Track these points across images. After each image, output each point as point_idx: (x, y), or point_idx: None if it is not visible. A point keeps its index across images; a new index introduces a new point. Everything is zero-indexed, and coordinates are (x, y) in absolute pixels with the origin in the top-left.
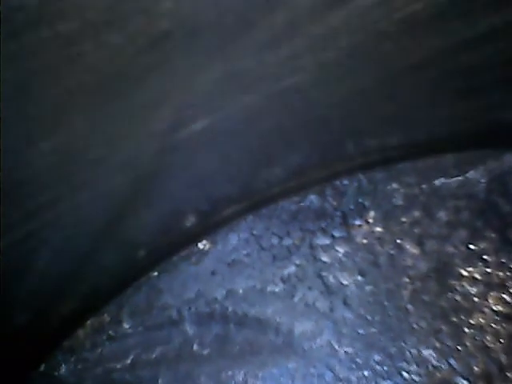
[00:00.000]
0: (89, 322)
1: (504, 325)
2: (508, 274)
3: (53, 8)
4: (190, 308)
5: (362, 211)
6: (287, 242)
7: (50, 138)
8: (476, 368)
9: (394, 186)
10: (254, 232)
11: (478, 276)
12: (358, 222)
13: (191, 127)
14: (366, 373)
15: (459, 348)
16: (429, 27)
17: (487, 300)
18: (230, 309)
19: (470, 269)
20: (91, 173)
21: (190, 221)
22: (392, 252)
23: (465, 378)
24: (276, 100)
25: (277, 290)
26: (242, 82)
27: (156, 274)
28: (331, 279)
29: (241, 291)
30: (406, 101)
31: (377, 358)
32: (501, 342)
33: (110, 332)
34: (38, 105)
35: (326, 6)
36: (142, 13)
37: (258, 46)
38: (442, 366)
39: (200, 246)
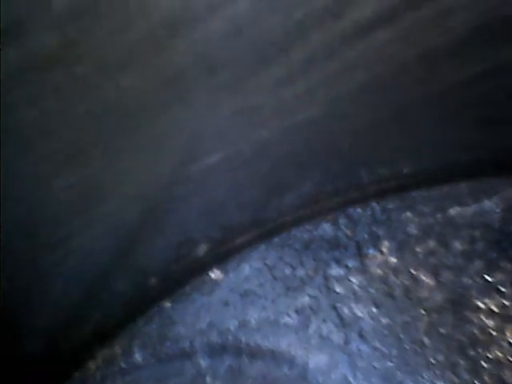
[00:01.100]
0: (100, 353)
1: None
2: None
3: (70, 52)
4: (202, 339)
5: (376, 241)
6: (300, 272)
7: (65, 175)
8: None
9: (408, 214)
10: (267, 261)
11: (494, 308)
12: (372, 252)
13: (205, 160)
14: None
15: (476, 382)
16: (445, 61)
17: (504, 333)
18: (243, 340)
19: (487, 301)
20: (105, 206)
21: (202, 249)
22: (407, 283)
23: None
24: (290, 132)
25: (290, 321)
26: (257, 117)
27: (168, 303)
28: (346, 311)
29: (254, 322)
30: (419, 129)
31: None
32: None
33: (122, 364)
34: (54, 144)
35: (343, 41)
36: (157, 53)
37: (273, 82)
38: None
39: (212, 275)
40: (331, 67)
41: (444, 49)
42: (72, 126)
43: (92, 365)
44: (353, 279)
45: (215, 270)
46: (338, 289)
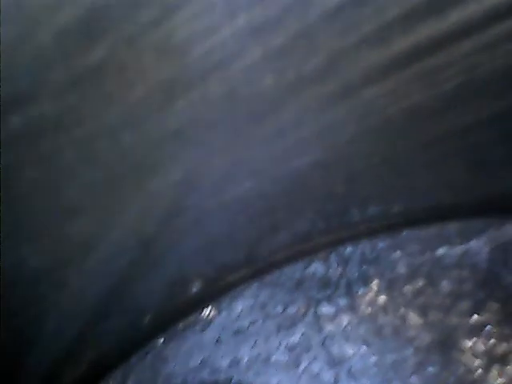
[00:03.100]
0: None
1: None
2: (511, 346)
3: (70, 117)
4: (194, 377)
5: (366, 279)
6: (292, 310)
7: (64, 226)
8: None
9: (398, 254)
10: (259, 299)
11: (481, 348)
12: (362, 291)
13: (200, 204)
14: None
15: None
16: (431, 114)
17: (490, 373)
18: (234, 378)
19: (474, 340)
20: (100, 246)
21: (196, 287)
22: (396, 322)
23: None
24: (284, 177)
25: (282, 359)
26: (252, 166)
27: (161, 340)
28: (336, 349)
29: (245, 360)
30: (409, 172)
31: None
32: None
33: None
34: (53, 200)
35: (333, 98)
36: (155, 113)
37: (266, 136)
38: None
39: (205, 312)
40: (322, 121)
41: (430, 103)
42: (72, 183)
43: None
44: (343, 317)
45: (208, 308)
46: (329, 327)
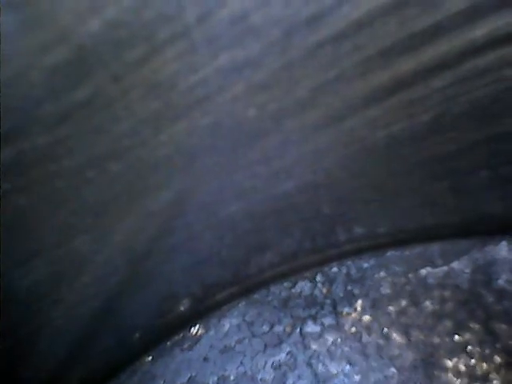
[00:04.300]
0: None
1: None
2: (491, 365)
3: (60, 148)
4: None
5: (350, 299)
6: (278, 328)
7: (54, 249)
8: None
9: (382, 274)
10: (246, 318)
11: (462, 367)
12: (347, 310)
13: (189, 226)
14: None
15: None
16: (414, 141)
17: None
18: None
19: (455, 360)
20: (91, 266)
21: (184, 305)
22: (379, 341)
23: None
24: (272, 199)
25: (267, 377)
26: (237, 190)
27: (150, 358)
28: (321, 368)
29: (232, 378)
30: (394, 195)
31: None
32: None
33: None
34: (42, 226)
35: (316, 127)
36: (141, 145)
37: (251, 163)
38: None
39: (193, 330)
40: (305, 150)
41: (410, 132)
42: (63, 209)
43: None
44: (328, 337)
45: (196, 326)
46: (314, 346)
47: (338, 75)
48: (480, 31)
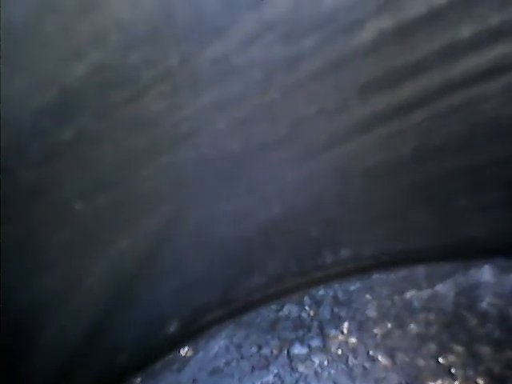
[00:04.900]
0: None
1: None
2: None
3: (48, 182)
4: None
5: (337, 322)
6: (266, 351)
7: (43, 274)
8: None
9: (368, 297)
10: (234, 340)
11: None
12: (333, 333)
13: (176, 250)
14: None
15: None
16: (394, 171)
17: None
18: None
19: (439, 382)
20: (79, 287)
21: (173, 327)
22: (365, 364)
23: None
24: (260, 225)
25: None
26: (224, 217)
27: (139, 380)
28: None
29: None
30: (379, 216)
31: None
32: None
33: None
34: (30, 257)
35: (299, 159)
36: (127, 178)
37: (236, 194)
38: None
39: (182, 352)
40: (290, 178)
41: (390, 163)
42: (49, 241)
43: None
44: (315, 359)
45: (185, 348)
46: (301, 368)
47: (318, 111)
48: (456, 69)
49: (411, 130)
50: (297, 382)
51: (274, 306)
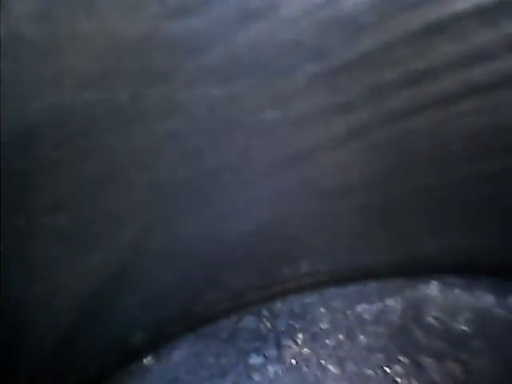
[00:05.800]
0: None
1: None
2: None
3: (7, 206)
4: None
5: (292, 333)
6: (224, 360)
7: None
8: None
9: (322, 310)
10: (195, 350)
11: None
12: (288, 343)
13: (142, 267)
14: None
15: None
16: (351, 192)
17: None
18: None
19: None
20: (46, 303)
21: (137, 338)
22: (317, 373)
23: None
24: (219, 241)
25: None
26: (188, 234)
27: None
28: None
29: None
30: (335, 234)
31: None
32: None
33: None
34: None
35: (264, 175)
36: (84, 202)
37: (198, 210)
38: None
39: (145, 361)
40: (253, 195)
41: (346, 183)
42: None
43: None
44: (270, 368)
45: (148, 357)
46: (257, 377)
47: (291, 122)
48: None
49: (367, 153)
50: None
51: (233, 318)
